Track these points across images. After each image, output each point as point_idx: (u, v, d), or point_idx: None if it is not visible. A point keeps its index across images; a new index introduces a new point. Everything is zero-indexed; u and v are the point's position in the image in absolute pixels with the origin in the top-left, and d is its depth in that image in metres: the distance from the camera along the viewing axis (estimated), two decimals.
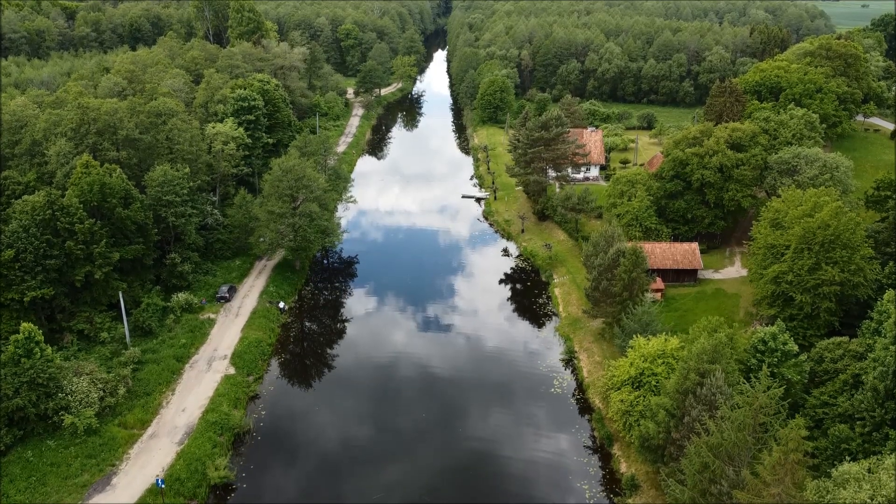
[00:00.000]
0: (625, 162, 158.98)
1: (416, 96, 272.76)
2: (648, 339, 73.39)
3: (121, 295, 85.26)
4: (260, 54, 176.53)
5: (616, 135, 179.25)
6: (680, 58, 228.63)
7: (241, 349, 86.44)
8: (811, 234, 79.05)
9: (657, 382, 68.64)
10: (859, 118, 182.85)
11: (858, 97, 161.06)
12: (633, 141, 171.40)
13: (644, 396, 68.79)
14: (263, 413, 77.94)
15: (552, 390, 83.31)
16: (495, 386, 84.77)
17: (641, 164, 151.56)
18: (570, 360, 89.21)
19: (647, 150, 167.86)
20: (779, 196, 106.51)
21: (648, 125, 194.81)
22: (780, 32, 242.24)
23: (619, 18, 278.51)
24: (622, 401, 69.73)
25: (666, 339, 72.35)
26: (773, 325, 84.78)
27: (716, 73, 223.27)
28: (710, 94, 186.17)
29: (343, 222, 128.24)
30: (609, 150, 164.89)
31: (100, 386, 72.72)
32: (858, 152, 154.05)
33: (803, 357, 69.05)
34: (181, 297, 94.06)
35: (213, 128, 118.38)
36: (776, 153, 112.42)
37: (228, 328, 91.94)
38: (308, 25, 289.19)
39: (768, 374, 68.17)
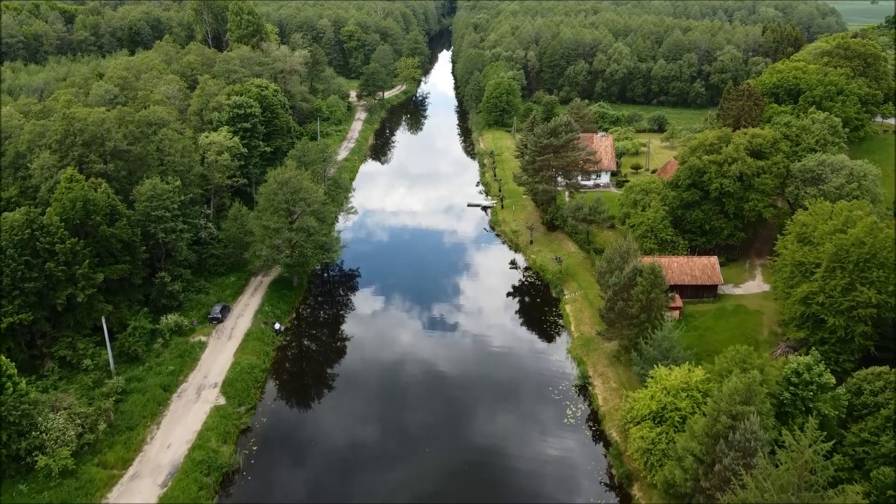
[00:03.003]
0: (636, 167, 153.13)
1: (420, 99, 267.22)
2: (670, 370, 67.81)
3: (104, 320, 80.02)
4: (259, 58, 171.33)
5: (626, 138, 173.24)
6: (690, 58, 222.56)
7: (233, 376, 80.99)
8: (844, 251, 73.25)
9: (681, 418, 63.16)
10: (878, 119, 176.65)
11: (879, 98, 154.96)
12: (644, 145, 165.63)
13: (667, 433, 63.31)
14: (255, 448, 72.39)
15: (565, 420, 77.60)
16: (505, 414, 79.15)
17: (654, 170, 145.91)
18: (583, 387, 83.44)
19: (659, 155, 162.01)
20: (803, 207, 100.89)
21: (659, 128, 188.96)
22: (792, 31, 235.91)
23: (627, 18, 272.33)
24: (643, 437, 64.18)
25: (689, 370, 66.75)
26: (801, 347, 79.39)
27: (727, 73, 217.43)
28: (723, 95, 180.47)
29: (345, 231, 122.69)
30: (619, 154, 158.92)
31: (78, 422, 67.47)
32: (878, 155, 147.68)
33: (841, 390, 63.31)
34: (171, 318, 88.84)
35: (207, 137, 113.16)
36: (799, 161, 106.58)
37: (220, 352, 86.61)
38: (310, 27, 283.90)
39: (802, 408, 63.14)
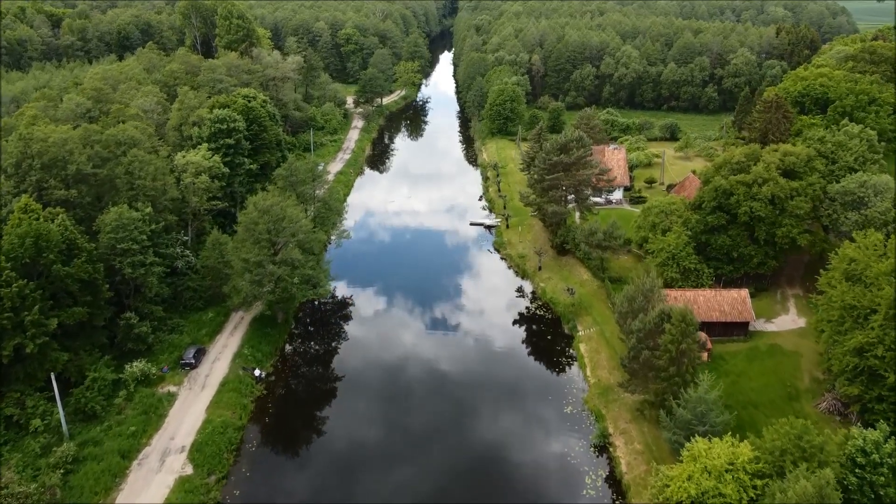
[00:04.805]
0: (650, 181, 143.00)
1: (420, 104, 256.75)
2: (709, 441, 57.76)
3: (53, 377, 69.99)
4: (248, 66, 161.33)
5: (638, 148, 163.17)
6: (702, 61, 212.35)
7: (203, 438, 70.76)
8: None
9: None
10: None
11: None
12: (657, 156, 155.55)
13: None
14: None
15: (585, 491, 67.48)
16: (517, 481, 69.00)
17: (670, 185, 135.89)
18: (603, 447, 73.25)
19: (674, 166, 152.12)
20: (842, 233, 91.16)
21: (672, 135, 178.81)
22: (808, 33, 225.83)
23: (634, 19, 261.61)
24: None
25: (733, 445, 56.68)
26: (854, 404, 69.42)
27: (741, 77, 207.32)
28: (739, 101, 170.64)
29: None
30: (632, 167, 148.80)
31: None
32: None
33: None
34: (136, 367, 78.83)
35: (184, 157, 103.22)
36: (837, 182, 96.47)
37: (191, 406, 76.57)
38: (306, 30, 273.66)
39: (871, 495, 53.15)
